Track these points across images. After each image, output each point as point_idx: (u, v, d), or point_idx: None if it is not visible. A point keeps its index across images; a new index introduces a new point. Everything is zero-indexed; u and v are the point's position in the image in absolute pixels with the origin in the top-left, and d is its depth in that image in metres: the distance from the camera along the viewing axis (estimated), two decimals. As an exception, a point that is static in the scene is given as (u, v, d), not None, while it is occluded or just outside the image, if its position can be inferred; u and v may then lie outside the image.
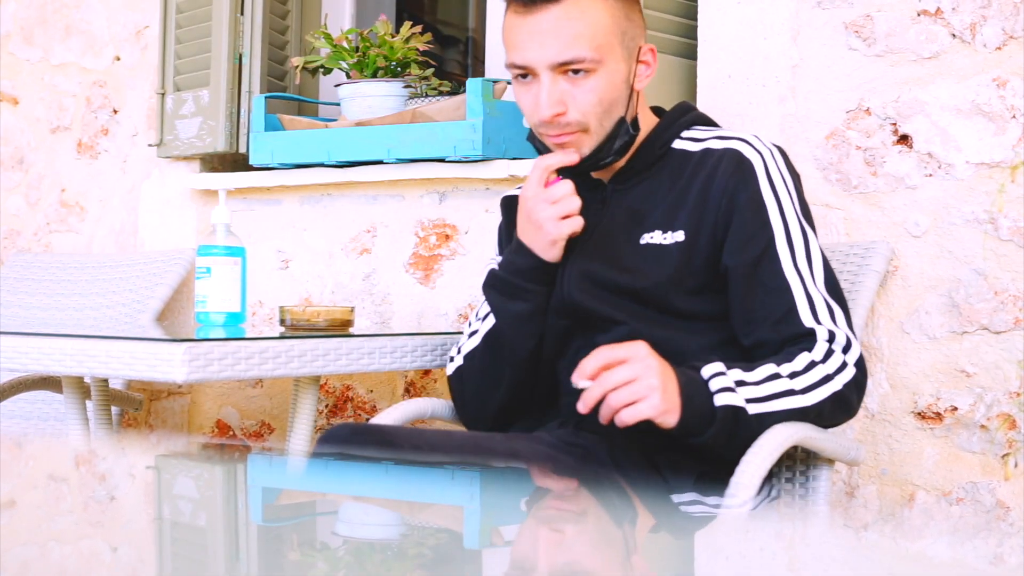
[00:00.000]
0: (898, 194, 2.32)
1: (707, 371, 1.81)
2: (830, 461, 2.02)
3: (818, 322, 1.88)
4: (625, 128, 1.96)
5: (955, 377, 2.27)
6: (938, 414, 2.28)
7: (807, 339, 1.88)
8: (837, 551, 1.01)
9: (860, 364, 1.89)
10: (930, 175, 2.29)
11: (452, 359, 2.13)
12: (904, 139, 2.31)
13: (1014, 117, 2.22)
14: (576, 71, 1.91)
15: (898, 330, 2.30)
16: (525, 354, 2.01)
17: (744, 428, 1.80)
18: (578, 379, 1.78)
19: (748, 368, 1.83)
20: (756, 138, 1.98)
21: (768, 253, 1.90)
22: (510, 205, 2.15)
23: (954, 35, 2.28)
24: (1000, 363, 2.23)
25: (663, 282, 1.93)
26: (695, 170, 1.96)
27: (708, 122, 2.06)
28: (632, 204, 2.00)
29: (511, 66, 1.95)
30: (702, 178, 1.95)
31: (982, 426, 2.25)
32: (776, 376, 1.83)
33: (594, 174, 2.04)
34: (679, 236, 1.93)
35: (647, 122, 2.03)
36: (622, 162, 2.02)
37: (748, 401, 1.80)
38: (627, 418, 1.75)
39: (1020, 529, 2.21)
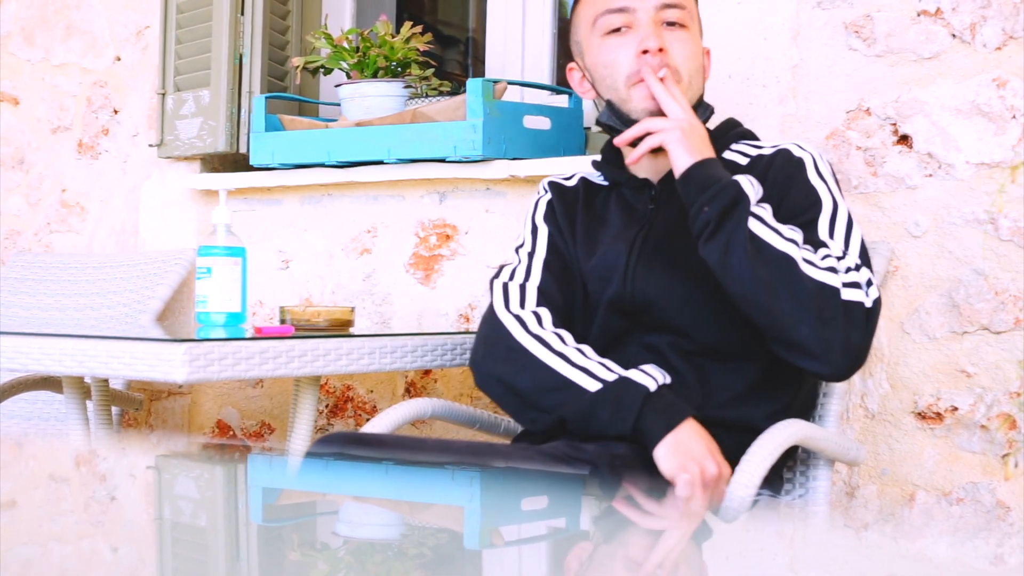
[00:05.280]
0: (898, 194, 2.32)
1: (738, 174, 1.87)
2: (830, 461, 2.02)
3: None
4: (703, 108, 2.02)
5: (955, 377, 2.27)
6: (938, 414, 2.28)
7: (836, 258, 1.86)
8: (837, 551, 1.01)
9: (875, 307, 1.82)
10: (930, 175, 2.29)
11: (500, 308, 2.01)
12: (904, 139, 2.31)
13: (1014, 117, 2.22)
14: (672, 23, 1.97)
15: (898, 330, 2.30)
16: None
17: (735, 224, 1.80)
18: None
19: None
20: (804, 143, 2.01)
21: (811, 224, 1.89)
22: (561, 189, 2.14)
23: (954, 35, 2.28)
24: (1000, 363, 2.23)
25: None
26: (746, 172, 1.97)
27: (754, 138, 2.08)
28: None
29: (607, 12, 1.98)
30: (755, 176, 1.95)
31: (982, 426, 2.25)
32: (793, 230, 1.84)
33: (640, 174, 2.05)
34: None
35: None
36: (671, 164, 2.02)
37: (755, 216, 1.81)
38: (651, 126, 1.89)
39: (1020, 529, 2.21)
